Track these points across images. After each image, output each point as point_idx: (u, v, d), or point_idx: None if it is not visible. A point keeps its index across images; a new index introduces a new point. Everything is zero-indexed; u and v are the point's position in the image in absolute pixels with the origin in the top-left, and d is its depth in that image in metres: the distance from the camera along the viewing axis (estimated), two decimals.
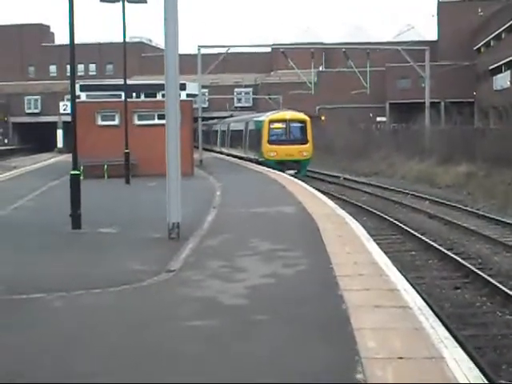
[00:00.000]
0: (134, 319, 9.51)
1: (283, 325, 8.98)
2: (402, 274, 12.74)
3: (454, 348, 7.90)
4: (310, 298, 10.40)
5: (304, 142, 46.07)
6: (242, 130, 55.79)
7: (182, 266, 12.92)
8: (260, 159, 46.81)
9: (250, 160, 49.46)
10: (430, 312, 9.49)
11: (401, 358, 7.46)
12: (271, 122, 46.69)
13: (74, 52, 18.07)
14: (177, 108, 16.51)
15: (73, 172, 18.01)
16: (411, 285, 11.75)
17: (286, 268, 12.58)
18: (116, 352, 8.14)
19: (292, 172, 42.20)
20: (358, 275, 11.76)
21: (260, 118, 49.72)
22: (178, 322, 9.18)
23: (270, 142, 46.01)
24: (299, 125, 46.87)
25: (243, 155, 53.35)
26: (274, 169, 41.69)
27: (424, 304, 9.93)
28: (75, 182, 17.89)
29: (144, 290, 11.20)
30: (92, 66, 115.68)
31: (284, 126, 46.49)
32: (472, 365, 7.48)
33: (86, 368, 7.57)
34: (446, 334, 8.45)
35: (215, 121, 72.61)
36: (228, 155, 59.06)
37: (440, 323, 9.06)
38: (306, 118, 47.73)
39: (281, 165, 43.83)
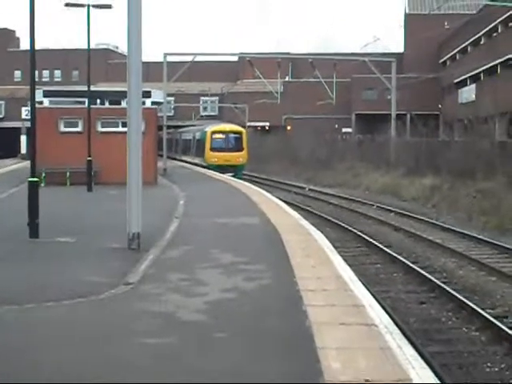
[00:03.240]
0: (85, 335, 9.04)
1: (243, 343, 8.59)
2: (367, 289, 12.43)
3: (422, 369, 7.56)
4: (273, 313, 10.03)
5: (240, 149, 55.20)
6: (190, 140, 65.32)
7: (140, 279, 12.49)
8: (204, 164, 55.31)
9: (196, 164, 57.88)
10: (397, 330, 9.16)
11: (367, 380, 7.10)
12: (213, 133, 55.80)
13: (34, 57, 17.60)
14: (139, 116, 16.09)
15: (31, 179, 17.48)
16: (377, 300, 11.42)
17: (248, 282, 12.20)
18: (61, 369, 7.69)
19: (230, 174, 48.59)
20: (323, 290, 11.41)
21: (204, 130, 58.41)
22: (132, 339, 8.74)
23: (212, 150, 55.11)
24: (236, 135, 56.02)
25: (191, 161, 61.96)
26: (215, 171, 49.09)
27: (390, 321, 9.61)
28: (33, 190, 17.36)
29: (99, 304, 10.75)
30: (57, 72, 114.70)
31: (224, 136, 55.84)
32: None
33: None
34: (413, 352, 8.11)
35: (171, 130, 73.32)
36: (180, 161, 65.64)
37: (407, 341, 8.72)
38: (243, 130, 57.90)
39: (221, 168, 51.21)
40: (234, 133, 56.40)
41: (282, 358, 7.98)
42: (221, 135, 55.81)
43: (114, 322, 9.76)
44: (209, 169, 51.92)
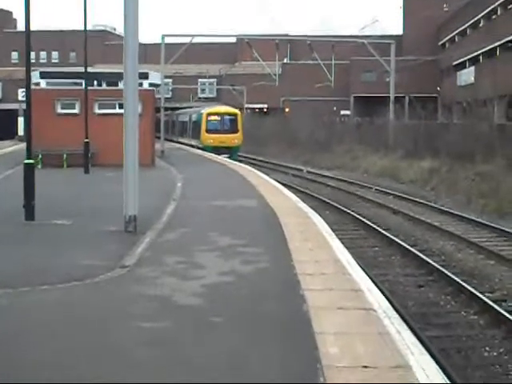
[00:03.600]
0: (80, 319, 8.91)
1: (239, 328, 8.47)
2: (366, 273, 12.32)
3: (421, 355, 7.45)
4: (270, 298, 9.90)
5: (235, 131, 55.97)
6: (187, 122, 65.98)
7: (137, 262, 12.36)
8: (200, 145, 55.95)
9: (192, 146, 58.61)
10: (395, 314, 9.04)
11: (365, 366, 6.98)
12: (209, 114, 56.70)
13: (29, 37, 17.38)
14: (135, 97, 15.92)
15: (26, 161, 17.29)
16: (375, 284, 11.30)
17: (245, 265, 12.07)
18: (56, 353, 7.58)
19: (225, 156, 49.18)
20: (321, 274, 11.28)
21: (200, 112, 59.16)
22: (128, 323, 8.62)
23: (208, 132, 55.91)
24: (231, 117, 56.81)
25: (187, 142, 62.59)
26: (211, 153, 49.97)
27: (389, 306, 9.49)
28: (29, 172, 17.19)
29: (95, 287, 10.63)
30: (55, 54, 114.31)
31: (219, 118, 56.73)
32: (440, 374, 7.04)
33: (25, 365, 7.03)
34: (413, 339, 7.99)
35: (168, 112, 73.33)
36: (177, 143, 65.80)
37: (406, 327, 8.60)
38: (237, 111, 58.53)
39: (216, 150, 52.09)
40: (229, 115, 57.35)
41: (279, 343, 7.87)
42: (216, 117, 56.79)
43: (109, 305, 9.64)
44: (204, 150, 52.60)
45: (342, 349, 7.51)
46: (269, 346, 7.78)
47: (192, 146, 58.77)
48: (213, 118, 56.59)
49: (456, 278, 16.83)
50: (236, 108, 71.60)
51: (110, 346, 7.88)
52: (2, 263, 12.35)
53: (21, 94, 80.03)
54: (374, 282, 11.76)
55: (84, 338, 8.15)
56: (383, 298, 10.07)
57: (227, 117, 57.03)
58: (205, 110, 57.99)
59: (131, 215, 15.60)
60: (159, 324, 8.62)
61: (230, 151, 53.86)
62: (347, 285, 10.60)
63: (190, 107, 77.77)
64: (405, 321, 9.54)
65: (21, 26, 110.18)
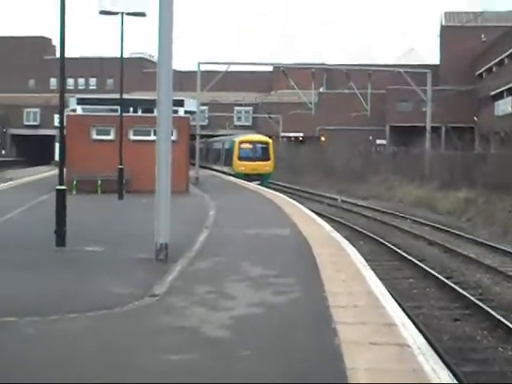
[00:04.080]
0: (107, 349, 8.74)
1: (268, 362, 8.20)
2: (400, 306, 12.02)
3: None
4: (301, 330, 9.64)
5: (267, 159, 57.67)
6: (220, 149, 68.10)
7: (166, 291, 12.17)
8: (232, 172, 57.34)
9: (225, 173, 59.67)
10: (431, 351, 8.73)
11: None
12: (241, 142, 58.53)
13: (64, 64, 17.42)
14: (169, 124, 15.81)
15: (58, 187, 17.24)
16: (410, 318, 10.99)
17: (276, 296, 11.82)
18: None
19: (257, 183, 50.72)
20: (353, 306, 11.00)
21: (232, 140, 61.35)
22: (154, 355, 8.41)
23: (240, 159, 57.67)
24: (263, 145, 58.53)
25: (220, 169, 63.93)
26: (242, 179, 51.17)
27: (424, 341, 9.18)
28: (61, 198, 17.12)
29: (124, 316, 10.45)
30: (93, 80, 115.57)
31: (251, 146, 58.53)
32: None
33: None
34: (449, 378, 7.69)
35: (203, 140, 73.87)
36: (210, 169, 66.22)
37: (441, 364, 8.29)
38: (269, 140, 59.96)
39: (248, 177, 53.46)
40: (261, 143, 59.03)
41: (309, 378, 7.60)
42: (248, 145, 58.66)
43: (136, 335, 9.44)
44: (236, 177, 53.96)
45: None
46: (297, 382, 7.51)
47: (224, 173, 59.93)
48: (245, 145, 58.37)
49: (493, 313, 16.44)
50: (272, 136, 73.36)
51: (134, 379, 7.66)
52: (29, 290, 12.21)
53: (57, 119, 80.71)
54: (408, 315, 11.45)
55: (109, 370, 7.95)
56: (418, 332, 9.78)
57: (259, 145, 58.69)
58: (237, 138, 59.91)
59: (162, 243, 15.43)
60: (186, 356, 8.39)
61: (262, 178, 55.22)
62: (380, 318, 10.31)
63: (225, 135, 77.96)
64: (440, 357, 9.20)
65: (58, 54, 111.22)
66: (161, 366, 8.03)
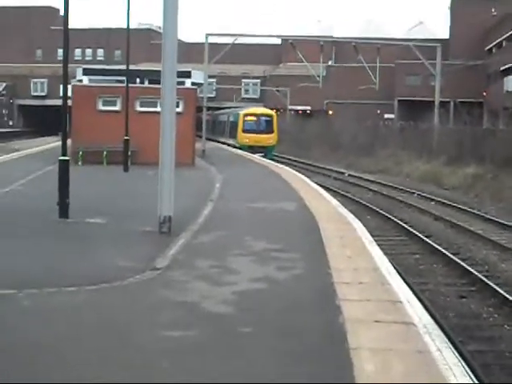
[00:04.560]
0: (105, 325, 8.54)
1: (270, 340, 7.99)
2: (406, 283, 11.81)
3: (463, 376, 6.95)
4: (304, 308, 9.45)
5: (270, 131, 58.18)
6: (225, 121, 68.75)
7: (168, 264, 11.97)
8: (237, 144, 58.51)
9: (229, 145, 61.32)
10: (437, 330, 8.51)
11: None
12: (245, 115, 59.29)
13: (67, 33, 17.22)
14: (173, 95, 15.52)
15: (61, 158, 17.02)
16: (416, 296, 10.78)
17: (280, 271, 11.61)
18: (73, 366, 7.20)
19: (260, 154, 51.32)
20: (358, 283, 10.79)
21: (237, 112, 62.14)
22: (153, 332, 8.21)
23: (244, 131, 58.44)
24: (267, 118, 59.24)
25: (225, 141, 65.03)
26: (246, 151, 52.24)
27: (430, 320, 8.97)
28: (64, 169, 16.89)
29: (123, 290, 10.25)
30: (100, 51, 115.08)
31: (255, 118, 59.31)
32: None
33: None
34: (455, 359, 7.47)
35: (209, 112, 73.93)
36: (216, 142, 66.78)
37: (447, 344, 8.06)
38: (273, 113, 61.19)
39: (252, 149, 54.26)
40: (265, 116, 59.90)
41: (311, 359, 7.39)
42: (253, 118, 59.34)
43: (136, 311, 9.24)
44: (240, 149, 55.04)
45: (379, 367, 7.02)
46: (300, 360, 7.33)
47: (229, 145, 61.29)
48: (249, 118, 59.18)
49: (500, 290, 16.24)
50: (279, 109, 73.67)
51: (131, 358, 7.47)
52: (29, 262, 12.02)
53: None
54: (414, 292, 11.24)
55: (105, 347, 7.78)
56: (424, 310, 9.57)
57: (263, 118, 59.55)
58: (242, 111, 60.84)
59: (166, 216, 15.22)
60: (184, 333, 8.21)
61: (265, 150, 55.82)
62: (386, 295, 10.11)
63: (232, 107, 77.71)
64: (447, 336, 8.97)
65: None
66: (160, 343, 7.83)
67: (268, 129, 58.53)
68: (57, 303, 9.53)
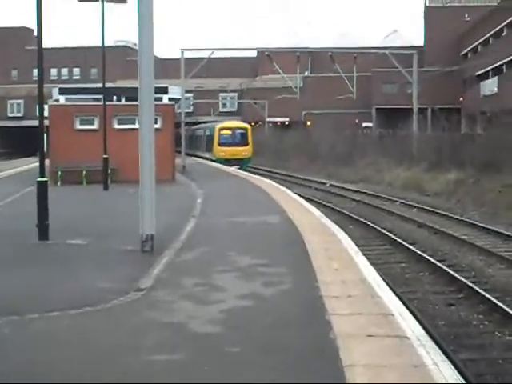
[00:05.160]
0: (89, 351, 8.27)
1: (260, 360, 7.75)
2: (396, 294, 11.61)
3: None
4: (293, 324, 9.21)
5: (246, 144, 59.96)
6: (201, 136, 70.75)
7: (153, 284, 11.70)
8: (213, 158, 59.90)
9: (207, 159, 62.41)
10: (431, 343, 8.30)
11: None
12: (221, 129, 60.98)
13: (41, 53, 17.03)
14: (151, 113, 15.30)
15: (39, 179, 16.75)
16: (407, 307, 10.58)
17: (266, 287, 11.37)
18: None
19: (237, 167, 52.26)
20: (347, 296, 10.57)
21: (213, 126, 63.90)
22: (139, 356, 7.94)
23: (220, 145, 60.16)
24: (242, 131, 61.06)
25: (202, 155, 66.49)
26: (223, 164, 53.28)
27: (422, 332, 8.76)
28: (42, 190, 16.62)
29: (107, 313, 9.98)
30: (76, 70, 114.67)
31: (230, 132, 61.04)
32: None
33: None
34: (451, 372, 7.26)
35: (186, 127, 74.13)
36: (192, 155, 67.59)
37: (443, 356, 7.85)
38: (248, 126, 63.07)
39: (228, 162, 55.46)
40: (240, 129, 61.87)
41: (302, 379, 7.15)
42: (228, 131, 61.14)
43: (120, 334, 8.96)
44: (217, 162, 56.49)
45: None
46: (291, 380, 7.09)
47: (206, 159, 62.73)
48: (225, 132, 60.92)
49: (488, 296, 16.07)
50: (257, 122, 74.12)
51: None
52: (9, 287, 11.72)
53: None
54: (404, 304, 11.04)
55: (89, 374, 7.50)
56: (416, 322, 9.36)
57: (238, 131, 61.39)
58: (217, 125, 62.50)
59: (148, 234, 14.99)
60: (170, 356, 7.96)
61: (241, 163, 57.23)
62: (376, 308, 9.89)
63: (209, 122, 77.67)
64: (440, 347, 8.76)
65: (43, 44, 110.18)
66: (146, 368, 7.57)
67: (243, 141, 60.18)
68: (39, 329, 9.25)
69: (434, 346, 8.23)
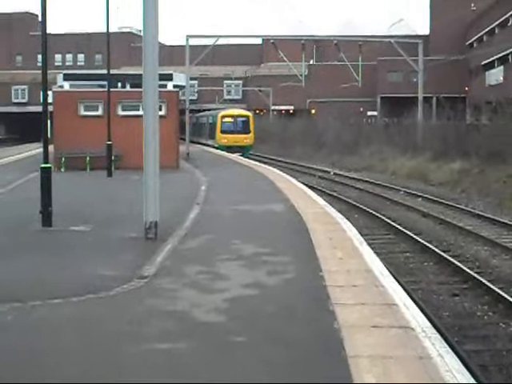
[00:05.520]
0: (90, 339, 8.20)
1: (263, 350, 7.67)
2: (400, 284, 11.53)
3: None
4: (297, 314, 9.13)
5: (247, 132, 61.27)
6: (204, 123, 71.83)
7: (156, 272, 11.63)
8: (215, 145, 61.44)
9: (209, 145, 63.90)
10: (436, 334, 8.22)
11: None
12: (223, 117, 62.17)
13: (46, 39, 16.94)
14: (155, 99, 15.21)
15: (43, 165, 16.68)
16: (411, 298, 10.50)
17: (270, 276, 11.30)
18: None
19: (238, 154, 53.88)
20: (352, 286, 10.50)
21: (215, 114, 64.87)
22: (140, 345, 7.87)
23: (222, 132, 61.26)
24: (244, 119, 62.34)
25: (205, 142, 67.47)
26: (225, 151, 55.00)
27: (427, 323, 8.68)
28: (46, 176, 16.55)
29: (109, 302, 9.91)
30: (81, 56, 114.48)
31: (232, 120, 62.07)
32: None
33: None
34: (457, 364, 7.19)
35: (191, 114, 74.20)
36: (196, 143, 67.78)
37: (448, 348, 7.78)
38: (249, 114, 64.40)
39: (230, 149, 56.85)
40: (242, 117, 62.98)
41: (306, 370, 7.07)
42: (230, 119, 62.30)
43: (122, 322, 8.87)
44: (219, 149, 57.93)
45: (379, 377, 6.72)
46: (296, 371, 7.02)
47: (208, 146, 64.22)
48: (227, 119, 62.14)
49: (492, 286, 16.00)
50: (262, 110, 74.33)
51: (117, 373, 7.15)
52: (11, 274, 11.65)
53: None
54: (409, 295, 10.96)
55: (90, 362, 7.45)
56: (420, 312, 9.28)
57: (240, 119, 62.46)
58: (219, 113, 63.53)
59: (152, 221, 14.91)
60: (173, 345, 7.89)
61: (243, 150, 58.70)
62: (381, 298, 9.82)
63: (213, 109, 77.53)
64: (445, 339, 8.69)
65: (48, 29, 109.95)
66: (147, 358, 7.49)
67: (245, 129, 61.46)
68: (41, 316, 9.19)
69: (439, 337, 8.15)
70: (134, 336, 8.26)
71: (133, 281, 11.01)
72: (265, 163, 46.50)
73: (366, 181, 42.44)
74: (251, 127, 61.82)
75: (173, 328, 8.55)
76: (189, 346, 7.88)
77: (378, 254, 14.59)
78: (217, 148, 59.59)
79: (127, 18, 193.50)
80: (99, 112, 35.27)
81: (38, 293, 10.26)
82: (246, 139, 61.00)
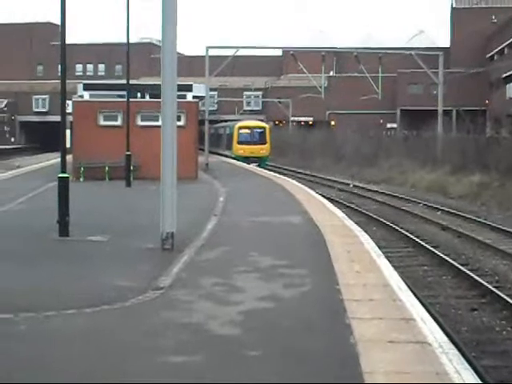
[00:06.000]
0: (103, 351, 8.14)
1: (279, 364, 7.58)
2: (418, 298, 11.42)
3: None
4: (313, 327, 9.05)
5: (264, 143, 62.38)
6: (222, 134, 73.31)
7: (172, 283, 11.58)
8: (232, 155, 62.63)
9: (226, 156, 65.09)
10: (453, 349, 8.11)
11: None
12: (240, 128, 63.35)
13: (64, 49, 16.92)
14: (174, 110, 15.19)
15: (61, 175, 16.69)
16: (429, 313, 10.38)
17: (287, 289, 11.22)
18: None
19: (255, 164, 55.55)
20: (369, 300, 10.40)
21: (232, 125, 66.32)
22: (154, 357, 7.78)
23: (239, 143, 62.48)
24: (260, 130, 63.50)
25: (222, 152, 68.64)
26: (242, 162, 55.96)
27: (445, 338, 8.57)
28: (63, 186, 16.57)
29: (125, 313, 9.85)
30: (101, 66, 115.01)
31: (249, 131, 63.27)
32: None
33: None
34: (474, 380, 7.07)
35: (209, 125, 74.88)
36: (214, 153, 67.24)
37: (466, 364, 7.66)
38: (266, 125, 66.24)
39: (246, 159, 58.05)
40: (258, 128, 64.12)
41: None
42: (247, 130, 63.39)
43: (137, 334, 8.81)
44: (236, 160, 59.14)
45: None
46: None
47: (226, 156, 65.27)
48: (244, 131, 63.22)
49: (511, 301, 15.83)
50: (282, 121, 74.68)
51: None
52: (27, 284, 11.62)
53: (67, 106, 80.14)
54: (427, 309, 10.84)
55: (102, 375, 7.37)
56: (438, 328, 9.17)
57: (256, 130, 63.59)
58: (236, 124, 64.80)
59: (168, 232, 14.87)
60: (188, 358, 7.81)
61: (259, 160, 59.70)
62: (398, 313, 9.71)
63: (234, 120, 77.65)
64: (464, 356, 8.57)
65: (68, 39, 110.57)
66: (161, 371, 7.42)
67: (261, 140, 62.47)
68: (55, 327, 9.15)
69: (457, 352, 8.03)
70: (148, 348, 8.17)
71: (148, 292, 10.96)
72: (284, 174, 46.42)
73: (385, 193, 42.26)
74: (267, 138, 62.90)
75: (187, 341, 8.47)
76: (203, 359, 7.80)
77: (395, 267, 14.47)
78: (233, 158, 60.73)
79: (148, 28, 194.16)
80: (118, 122, 35.34)
81: (52, 303, 10.22)
82: (263, 150, 62.00)
